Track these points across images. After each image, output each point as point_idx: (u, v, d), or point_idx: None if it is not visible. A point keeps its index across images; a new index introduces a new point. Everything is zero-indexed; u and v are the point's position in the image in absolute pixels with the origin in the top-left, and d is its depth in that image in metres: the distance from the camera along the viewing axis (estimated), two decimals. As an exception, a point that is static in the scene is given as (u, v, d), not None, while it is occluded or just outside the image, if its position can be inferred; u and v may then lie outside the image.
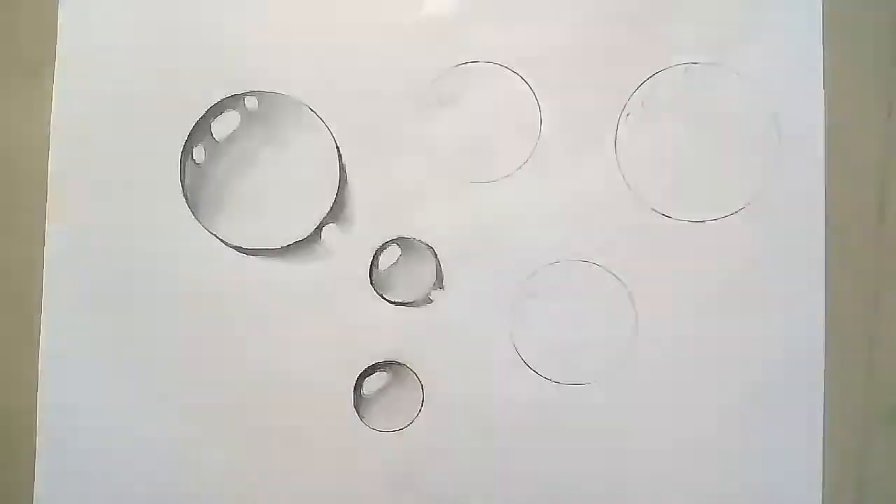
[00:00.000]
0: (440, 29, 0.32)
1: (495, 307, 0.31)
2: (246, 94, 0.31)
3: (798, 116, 0.32)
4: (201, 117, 0.31)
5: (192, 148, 0.31)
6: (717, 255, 0.32)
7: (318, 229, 0.31)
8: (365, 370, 0.31)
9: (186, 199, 0.31)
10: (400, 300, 0.31)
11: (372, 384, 0.31)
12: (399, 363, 0.31)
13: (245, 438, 0.31)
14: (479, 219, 0.32)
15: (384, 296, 0.31)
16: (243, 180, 0.31)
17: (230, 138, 0.31)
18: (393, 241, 0.31)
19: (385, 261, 0.31)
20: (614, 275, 0.31)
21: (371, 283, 0.31)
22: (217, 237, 0.31)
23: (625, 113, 0.32)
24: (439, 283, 0.31)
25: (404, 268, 0.31)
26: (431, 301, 0.31)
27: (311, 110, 0.31)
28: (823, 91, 0.32)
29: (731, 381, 0.31)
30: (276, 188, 0.31)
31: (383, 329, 0.31)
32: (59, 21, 0.31)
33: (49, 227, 0.31)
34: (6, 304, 0.31)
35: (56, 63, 0.31)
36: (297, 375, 0.31)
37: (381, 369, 0.31)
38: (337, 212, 0.32)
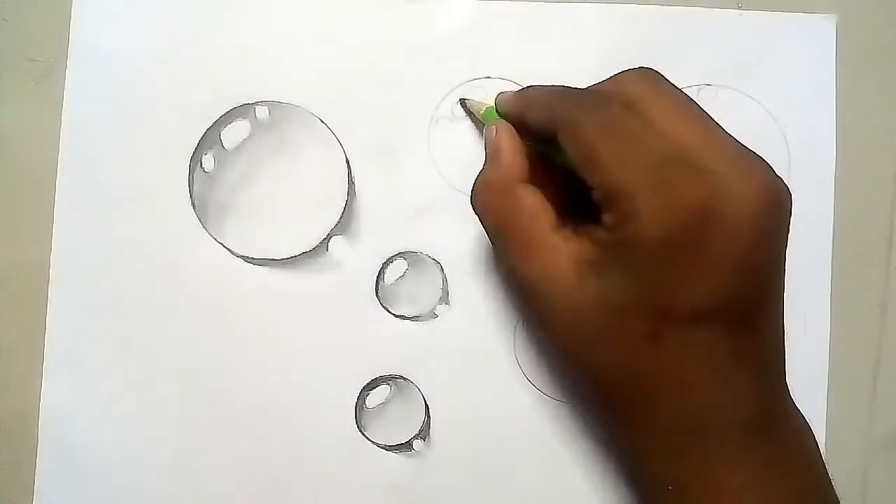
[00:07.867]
0: (453, 44, 0.32)
1: (500, 324, 0.31)
2: (257, 103, 0.31)
3: (809, 140, 0.32)
4: (212, 125, 0.31)
5: (202, 156, 0.31)
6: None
7: (326, 241, 0.31)
8: (368, 383, 0.31)
9: (194, 206, 0.31)
10: (405, 314, 0.31)
11: (375, 398, 0.31)
12: (402, 377, 0.31)
13: (246, 448, 0.31)
14: (486, 235, 0.31)
15: (389, 309, 0.31)
16: (252, 190, 0.31)
17: (240, 147, 0.31)
18: (400, 254, 0.31)
19: (391, 274, 0.31)
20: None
21: (377, 297, 0.31)
22: (224, 246, 0.31)
23: (635, 133, 0.32)
24: (445, 298, 0.31)
25: (411, 282, 0.31)
26: (436, 316, 0.31)
27: (322, 122, 0.31)
28: (835, 115, 0.32)
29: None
30: (285, 199, 0.31)
31: (387, 343, 0.31)
32: (72, 26, 0.31)
33: (56, 232, 0.31)
34: (12, 308, 0.31)
35: (67, 68, 0.31)
36: (300, 387, 0.31)
37: (384, 383, 0.31)
38: (345, 224, 0.31)
